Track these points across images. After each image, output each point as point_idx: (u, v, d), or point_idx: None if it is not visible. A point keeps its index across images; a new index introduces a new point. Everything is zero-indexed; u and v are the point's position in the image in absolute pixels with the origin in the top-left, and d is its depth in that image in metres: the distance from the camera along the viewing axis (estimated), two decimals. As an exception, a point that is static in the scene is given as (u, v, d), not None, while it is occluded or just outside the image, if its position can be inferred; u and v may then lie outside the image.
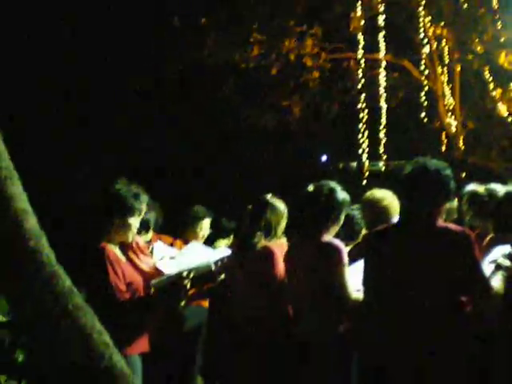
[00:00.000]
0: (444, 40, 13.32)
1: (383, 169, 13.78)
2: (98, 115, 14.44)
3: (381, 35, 13.17)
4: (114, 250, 4.08)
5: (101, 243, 4.02)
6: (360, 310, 4.13)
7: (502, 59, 12.42)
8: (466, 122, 13.96)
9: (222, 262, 4.58)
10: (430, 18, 13.10)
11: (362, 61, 13.37)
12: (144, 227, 5.24)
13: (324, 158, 17.44)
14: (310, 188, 4.51)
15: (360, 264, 4.16)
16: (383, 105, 13.37)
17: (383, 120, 13.40)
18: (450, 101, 13.64)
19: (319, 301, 4.30)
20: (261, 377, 4.49)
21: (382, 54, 13.36)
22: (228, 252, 4.76)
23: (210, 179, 14.83)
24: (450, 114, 13.67)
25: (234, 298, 4.77)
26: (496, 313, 4.03)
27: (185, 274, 4.15)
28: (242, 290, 4.64)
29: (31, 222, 2.86)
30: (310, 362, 4.32)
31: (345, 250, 4.32)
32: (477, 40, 12.89)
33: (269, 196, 4.73)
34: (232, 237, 6.85)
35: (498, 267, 3.98)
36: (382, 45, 13.26)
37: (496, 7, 12.40)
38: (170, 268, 4.35)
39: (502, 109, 13.17)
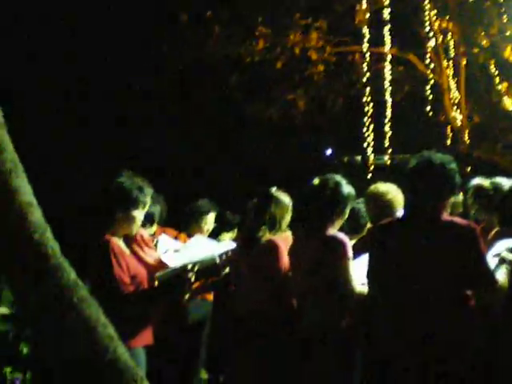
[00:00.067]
0: (449, 33, 13.29)
1: (388, 162, 13.75)
2: (98, 115, 14.42)
3: (386, 28, 13.16)
4: (119, 243, 4.06)
5: (105, 236, 4.02)
6: (364, 303, 4.14)
7: (508, 53, 12.37)
8: (472, 115, 13.91)
9: (226, 256, 4.58)
10: (435, 11, 13.06)
11: (368, 54, 13.34)
12: (149, 220, 5.24)
13: (329, 151, 17.38)
14: (316, 181, 4.50)
15: (365, 258, 4.16)
16: (388, 98, 13.36)
17: (388, 114, 13.39)
18: (455, 94, 13.60)
19: (322, 297, 4.30)
20: (264, 371, 4.49)
21: (387, 47, 13.34)
22: (232, 245, 4.76)
23: (210, 179, 14.80)
24: (455, 107, 13.63)
25: (238, 291, 4.77)
26: (500, 306, 4.02)
27: (189, 267, 4.14)
28: (247, 284, 4.64)
29: (36, 214, 2.86)
30: (313, 358, 4.32)
31: (349, 243, 4.31)
32: (482, 33, 12.84)
33: (273, 189, 4.73)
34: (236, 230, 6.85)
35: (502, 261, 3.98)
36: (388, 38, 13.25)
37: (502, 0, 12.34)
38: (174, 261, 4.35)
39: (508, 102, 13.13)
